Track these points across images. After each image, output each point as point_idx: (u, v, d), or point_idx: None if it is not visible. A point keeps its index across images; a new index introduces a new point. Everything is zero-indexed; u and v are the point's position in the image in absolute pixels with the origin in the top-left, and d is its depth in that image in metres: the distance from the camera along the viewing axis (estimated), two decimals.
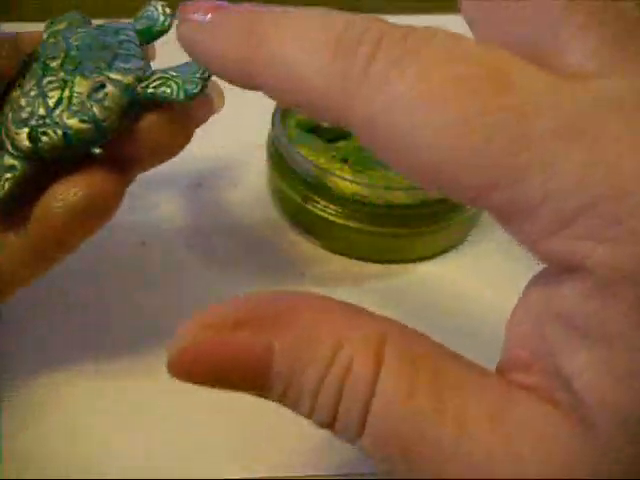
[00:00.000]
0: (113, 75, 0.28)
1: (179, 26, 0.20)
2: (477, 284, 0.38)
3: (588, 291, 0.15)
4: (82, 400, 0.32)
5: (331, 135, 0.39)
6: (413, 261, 0.39)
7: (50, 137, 0.27)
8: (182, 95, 0.27)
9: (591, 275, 0.15)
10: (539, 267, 0.17)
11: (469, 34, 0.19)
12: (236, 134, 0.42)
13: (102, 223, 0.28)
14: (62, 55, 0.29)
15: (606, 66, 0.16)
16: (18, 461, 0.30)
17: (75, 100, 0.27)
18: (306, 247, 0.39)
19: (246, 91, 0.20)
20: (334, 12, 0.18)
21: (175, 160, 0.29)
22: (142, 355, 0.34)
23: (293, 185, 0.38)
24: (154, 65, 0.29)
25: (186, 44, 0.20)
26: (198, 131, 0.29)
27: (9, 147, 0.27)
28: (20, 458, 0.31)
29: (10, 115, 0.28)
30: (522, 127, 0.15)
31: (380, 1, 0.46)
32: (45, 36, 0.30)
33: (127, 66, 0.28)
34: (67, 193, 0.27)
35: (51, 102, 0.27)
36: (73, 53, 0.29)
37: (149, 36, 0.30)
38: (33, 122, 0.27)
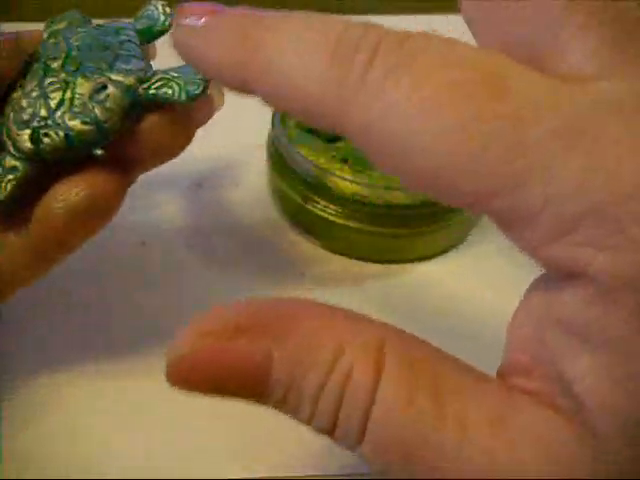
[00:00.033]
0: (114, 76, 0.28)
1: (173, 31, 0.19)
2: (477, 284, 0.38)
3: (589, 297, 0.15)
4: (82, 400, 0.32)
5: (331, 135, 0.39)
6: (413, 261, 0.39)
7: (52, 138, 0.27)
8: (184, 96, 0.27)
9: (592, 282, 0.15)
10: (539, 268, 0.17)
11: (469, 34, 0.19)
12: (236, 134, 0.42)
13: (103, 223, 0.28)
14: (63, 55, 0.29)
15: (606, 68, 0.16)
16: (18, 461, 0.30)
17: (77, 101, 0.27)
18: (306, 247, 0.39)
19: None
20: (332, 17, 0.18)
21: (175, 160, 0.30)
22: (142, 355, 0.34)
23: (293, 185, 0.38)
24: (154, 65, 0.29)
25: (181, 50, 0.19)
26: (198, 131, 0.29)
27: (11, 148, 0.27)
28: (20, 458, 0.31)
29: (11, 116, 0.28)
30: (519, 133, 0.15)
31: (380, 1, 0.46)
32: (45, 36, 0.30)
33: (128, 67, 0.28)
34: (68, 193, 0.27)
35: (53, 103, 0.27)
36: (74, 53, 0.28)
37: (149, 36, 0.30)
38: (35, 123, 0.27)
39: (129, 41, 0.29)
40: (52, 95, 0.28)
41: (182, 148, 0.29)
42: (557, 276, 0.16)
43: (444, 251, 0.39)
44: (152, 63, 0.30)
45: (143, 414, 0.32)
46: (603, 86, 0.16)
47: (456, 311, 0.37)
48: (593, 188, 0.15)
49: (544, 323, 0.17)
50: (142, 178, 0.30)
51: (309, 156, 0.38)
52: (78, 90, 0.27)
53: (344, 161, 0.38)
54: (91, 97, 0.27)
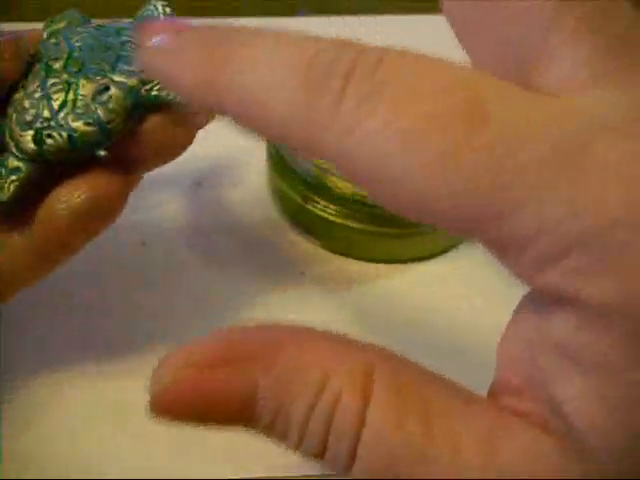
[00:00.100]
0: (117, 77, 0.28)
1: (139, 53, 0.18)
2: (477, 284, 0.38)
3: (580, 323, 0.15)
4: (82, 400, 0.32)
5: None
6: (413, 261, 0.39)
7: (55, 140, 0.27)
8: None
9: (583, 307, 0.15)
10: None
11: None
12: (236, 134, 0.42)
13: (106, 225, 0.28)
14: (65, 56, 0.29)
15: (598, 76, 0.16)
16: (18, 461, 0.30)
17: (79, 102, 0.27)
18: (306, 247, 0.39)
19: None
20: (305, 36, 0.17)
21: (176, 160, 0.30)
22: (142, 355, 0.34)
23: (293, 185, 0.38)
24: None
25: (149, 73, 0.19)
26: (199, 131, 0.30)
27: (13, 149, 0.28)
28: (20, 458, 0.31)
29: (14, 117, 0.28)
30: (500, 164, 0.15)
31: (380, 1, 0.46)
32: (45, 35, 0.30)
33: (130, 68, 0.28)
34: (71, 195, 0.27)
35: (55, 104, 0.27)
36: (76, 54, 0.29)
37: None
38: (38, 124, 0.27)
39: (130, 42, 0.29)
40: (55, 96, 0.28)
41: (184, 148, 0.29)
42: (549, 300, 0.16)
43: (444, 251, 0.39)
44: None
45: (143, 414, 0.32)
46: (594, 97, 0.16)
47: (456, 311, 0.37)
48: (581, 216, 0.15)
49: (535, 344, 0.16)
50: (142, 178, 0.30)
51: None
52: (81, 91, 0.28)
53: None
54: (94, 98, 0.27)
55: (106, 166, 0.27)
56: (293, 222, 0.40)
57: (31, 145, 0.27)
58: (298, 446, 0.17)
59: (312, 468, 0.30)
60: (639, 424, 0.15)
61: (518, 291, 0.19)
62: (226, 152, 0.43)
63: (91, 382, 0.33)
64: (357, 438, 0.16)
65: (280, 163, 0.39)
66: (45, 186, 0.28)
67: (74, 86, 0.28)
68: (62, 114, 0.27)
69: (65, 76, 0.28)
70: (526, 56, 0.17)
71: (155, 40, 0.18)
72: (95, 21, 0.31)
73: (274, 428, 0.17)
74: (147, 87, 0.28)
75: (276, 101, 0.16)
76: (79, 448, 0.31)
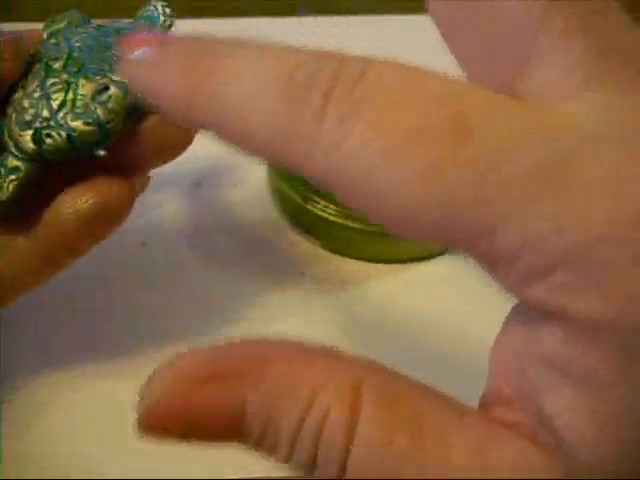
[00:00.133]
0: (116, 77, 0.28)
1: (122, 67, 0.18)
2: (477, 284, 0.38)
3: (567, 337, 0.15)
4: (82, 400, 0.32)
5: None
6: (413, 261, 0.39)
7: (54, 139, 0.27)
8: None
9: (570, 322, 0.15)
10: None
11: None
12: None
13: (113, 229, 0.28)
14: (64, 56, 0.29)
15: (590, 79, 0.15)
16: (18, 461, 0.30)
17: (79, 102, 0.27)
18: (306, 247, 0.39)
19: None
20: (288, 48, 0.17)
21: (175, 160, 0.30)
22: (142, 355, 0.34)
23: (293, 185, 0.38)
24: None
25: (132, 86, 0.18)
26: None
27: (13, 149, 0.28)
28: (20, 458, 0.31)
29: (13, 116, 0.28)
30: (484, 178, 0.15)
31: (380, 1, 0.46)
32: (45, 35, 0.30)
33: None
34: (78, 200, 0.27)
35: (55, 104, 0.27)
36: (75, 54, 0.29)
37: None
38: (37, 124, 0.27)
39: None
40: (54, 96, 0.28)
41: (184, 148, 0.29)
42: (536, 313, 0.16)
43: (444, 251, 0.39)
44: None
45: None
46: (585, 101, 0.15)
47: (456, 311, 0.37)
48: (565, 233, 0.14)
49: (524, 355, 0.16)
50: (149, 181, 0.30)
51: None
52: (80, 91, 0.28)
53: None
54: (93, 98, 0.27)
55: (113, 171, 0.28)
56: (293, 222, 0.40)
57: (30, 145, 0.27)
58: (288, 460, 0.17)
59: None
60: (630, 439, 0.15)
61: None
62: (226, 152, 0.43)
63: (91, 382, 0.33)
64: (346, 453, 0.16)
65: None
66: (45, 187, 0.28)
67: (73, 86, 0.28)
68: (61, 114, 0.27)
69: (65, 76, 0.28)
70: (514, 58, 0.16)
71: (137, 53, 0.18)
72: (95, 21, 0.31)
73: (263, 443, 0.17)
74: None
75: (259, 113, 0.16)
76: (79, 448, 0.31)
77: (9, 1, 0.49)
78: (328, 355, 0.18)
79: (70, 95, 0.28)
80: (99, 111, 0.27)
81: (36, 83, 0.28)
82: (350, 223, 0.38)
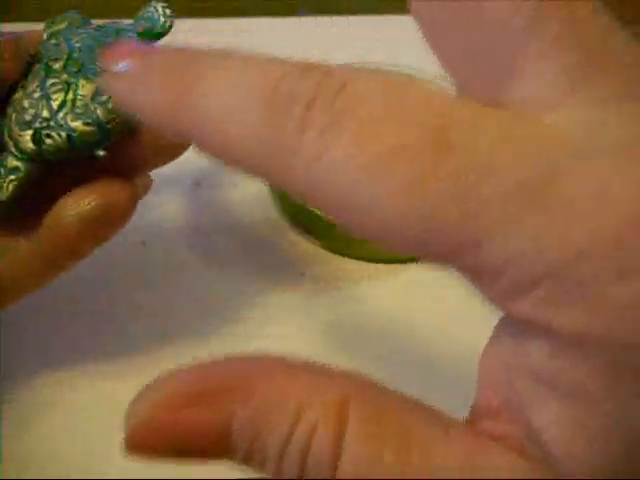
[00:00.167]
0: None
1: (105, 79, 0.18)
2: None
3: (554, 351, 0.15)
4: (83, 400, 0.32)
5: None
6: (412, 261, 0.39)
7: (54, 139, 0.27)
8: None
9: (556, 336, 0.15)
10: None
11: None
12: None
13: (116, 231, 0.28)
14: (64, 57, 0.29)
15: (578, 89, 0.15)
16: (18, 461, 0.30)
17: (79, 102, 0.27)
18: (306, 247, 0.39)
19: None
20: (272, 59, 0.17)
21: (175, 160, 0.30)
22: (142, 355, 0.34)
23: None
24: None
25: (115, 99, 0.18)
26: None
27: (12, 149, 0.28)
28: (20, 458, 0.31)
29: (13, 116, 0.28)
30: (465, 193, 0.15)
31: (380, 1, 0.46)
32: (45, 36, 0.30)
33: None
34: (81, 202, 0.27)
35: (55, 104, 0.28)
36: (75, 55, 0.29)
37: (149, 37, 0.30)
38: (37, 124, 0.27)
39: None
40: (54, 96, 0.28)
41: (184, 148, 0.29)
42: (522, 327, 0.16)
43: None
44: None
45: None
46: (573, 107, 0.15)
47: (456, 310, 0.37)
48: (546, 252, 0.14)
49: (511, 367, 0.16)
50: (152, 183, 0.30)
51: None
52: (80, 91, 0.28)
53: None
54: (93, 98, 0.27)
55: (108, 168, 0.28)
56: (293, 222, 0.40)
57: (30, 145, 0.27)
58: (276, 475, 0.17)
59: None
60: (618, 453, 0.15)
61: None
62: None
63: (91, 382, 0.33)
64: (334, 468, 0.16)
65: None
66: (45, 187, 0.28)
67: (73, 86, 0.28)
68: (61, 114, 0.27)
69: (65, 76, 0.28)
70: (498, 61, 0.16)
71: (121, 65, 0.17)
72: (95, 22, 0.31)
73: (251, 458, 0.17)
74: None
75: (241, 124, 0.16)
76: (79, 448, 0.31)
77: (9, 1, 0.49)
78: (311, 370, 0.17)
79: (70, 95, 0.28)
80: (99, 111, 0.27)
81: (36, 83, 0.28)
82: None
